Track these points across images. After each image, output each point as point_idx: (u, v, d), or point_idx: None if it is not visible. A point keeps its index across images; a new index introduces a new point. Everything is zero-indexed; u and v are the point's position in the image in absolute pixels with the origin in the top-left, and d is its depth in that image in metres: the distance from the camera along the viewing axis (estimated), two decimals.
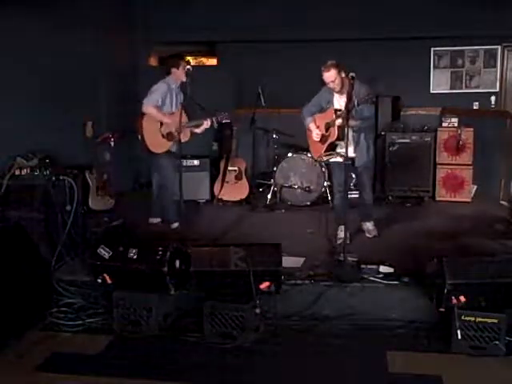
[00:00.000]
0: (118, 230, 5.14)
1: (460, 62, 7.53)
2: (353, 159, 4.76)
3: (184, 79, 5.06)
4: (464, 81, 7.54)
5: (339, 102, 4.73)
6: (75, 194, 4.43)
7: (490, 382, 3.06)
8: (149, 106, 4.98)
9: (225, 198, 6.65)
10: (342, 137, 4.60)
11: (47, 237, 4.26)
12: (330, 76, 4.57)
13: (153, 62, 8.46)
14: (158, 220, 5.56)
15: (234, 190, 6.64)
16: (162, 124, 5.02)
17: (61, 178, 4.43)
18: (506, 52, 7.42)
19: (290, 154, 6.50)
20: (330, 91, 4.75)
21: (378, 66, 6.77)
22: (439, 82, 7.56)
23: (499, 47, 7.40)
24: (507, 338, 3.32)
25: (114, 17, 7.17)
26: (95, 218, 5.25)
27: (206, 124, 5.14)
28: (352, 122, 4.47)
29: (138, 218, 5.76)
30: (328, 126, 4.72)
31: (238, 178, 6.66)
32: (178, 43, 8.19)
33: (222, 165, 6.73)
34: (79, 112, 5.93)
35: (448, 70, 7.57)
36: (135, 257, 3.69)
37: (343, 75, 4.60)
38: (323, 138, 4.80)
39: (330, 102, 4.77)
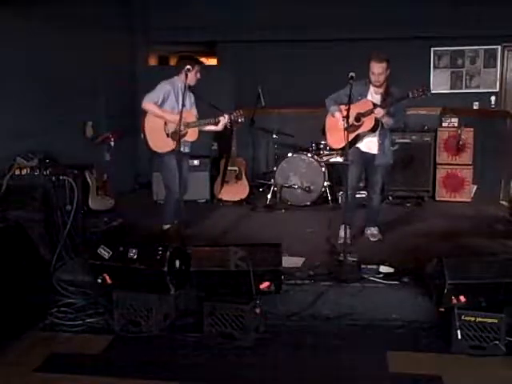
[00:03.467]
0: (117, 230, 5.14)
1: (460, 62, 7.54)
2: (373, 156, 4.75)
3: (192, 84, 4.89)
4: (464, 81, 7.55)
5: (373, 96, 4.65)
6: (75, 194, 4.42)
7: (490, 382, 3.06)
8: (147, 103, 4.79)
9: (225, 198, 6.65)
10: (375, 129, 4.59)
11: (47, 237, 4.25)
12: (382, 67, 4.47)
13: (152, 61, 8.47)
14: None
15: (234, 190, 6.65)
16: (166, 123, 4.86)
17: (61, 178, 4.42)
18: (506, 52, 7.43)
19: (290, 154, 6.50)
20: (366, 84, 4.64)
21: None
22: (439, 82, 7.57)
23: (499, 47, 7.41)
24: (507, 338, 3.32)
25: (114, 17, 7.17)
26: (95, 218, 5.26)
27: (223, 120, 4.88)
28: (386, 119, 4.54)
29: (138, 218, 5.76)
30: (359, 117, 4.58)
31: (238, 178, 6.66)
32: (178, 43, 8.20)
33: (222, 165, 6.74)
34: (79, 112, 5.94)
35: (448, 70, 7.58)
36: (135, 257, 3.68)
37: (388, 72, 4.56)
38: (351, 127, 4.59)
39: (363, 95, 4.64)
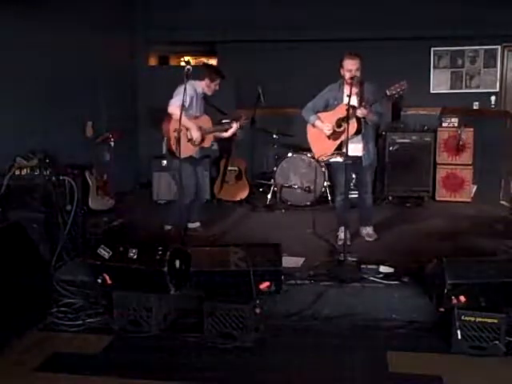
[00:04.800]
0: (117, 230, 5.14)
1: (460, 62, 7.54)
2: (359, 158, 4.70)
3: (210, 93, 5.06)
4: (464, 81, 7.55)
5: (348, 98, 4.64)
6: (75, 194, 4.42)
7: (490, 382, 3.06)
8: (175, 107, 4.67)
9: (225, 198, 6.65)
10: (360, 130, 4.56)
11: (47, 237, 4.25)
12: (355, 63, 4.48)
13: (152, 61, 8.47)
14: (197, 224, 5.33)
15: (234, 190, 6.65)
16: (187, 128, 4.85)
17: (61, 178, 4.41)
18: (506, 52, 7.44)
19: (289, 154, 6.50)
20: (340, 88, 4.65)
21: (377, 66, 6.78)
22: (439, 82, 7.57)
23: (499, 47, 7.41)
24: (507, 338, 3.31)
25: (114, 17, 7.17)
26: (95, 218, 5.26)
27: (235, 127, 5.12)
28: (370, 116, 4.51)
29: (138, 218, 5.76)
30: (340, 123, 4.57)
31: (238, 178, 6.66)
32: (178, 43, 8.20)
33: (222, 165, 6.74)
34: (79, 112, 5.93)
35: (448, 70, 7.58)
36: (135, 257, 3.68)
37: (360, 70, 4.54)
38: (334, 135, 4.65)
39: (339, 98, 4.64)
